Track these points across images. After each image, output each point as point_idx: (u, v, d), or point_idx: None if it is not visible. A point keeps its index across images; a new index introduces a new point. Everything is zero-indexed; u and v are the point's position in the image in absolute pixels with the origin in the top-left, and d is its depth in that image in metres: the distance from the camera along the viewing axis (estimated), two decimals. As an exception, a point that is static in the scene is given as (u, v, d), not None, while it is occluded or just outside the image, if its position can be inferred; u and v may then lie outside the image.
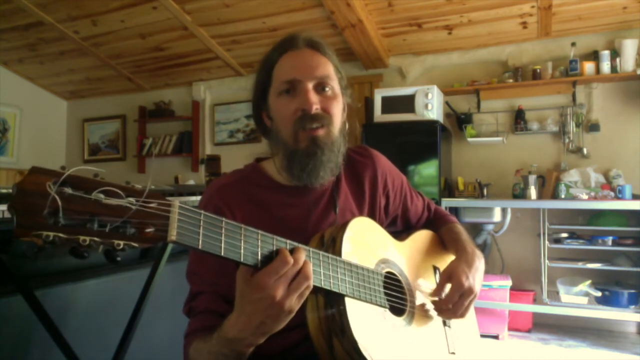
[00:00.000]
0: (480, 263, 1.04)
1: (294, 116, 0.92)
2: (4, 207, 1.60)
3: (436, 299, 1.00)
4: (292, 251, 0.72)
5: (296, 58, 0.95)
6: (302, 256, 0.72)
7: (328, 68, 0.96)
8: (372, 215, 1.07)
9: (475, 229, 3.60)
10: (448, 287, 0.99)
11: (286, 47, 0.96)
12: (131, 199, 0.56)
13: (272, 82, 0.96)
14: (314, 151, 0.92)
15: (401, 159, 3.46)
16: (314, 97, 0.92)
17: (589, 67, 3.37)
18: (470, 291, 0.98)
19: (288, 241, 0.74)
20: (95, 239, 0.54)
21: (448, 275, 1.00)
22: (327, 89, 0.94)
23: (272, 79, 0.95)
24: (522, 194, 3.40)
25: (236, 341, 0.74)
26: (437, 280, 1.07)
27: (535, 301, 3.40)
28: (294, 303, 0.71)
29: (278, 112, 0.95)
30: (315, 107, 0.91)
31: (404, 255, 1.02)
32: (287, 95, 0.93)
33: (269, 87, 0.96)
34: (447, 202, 3.38)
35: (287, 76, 0.93)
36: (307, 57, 0.95)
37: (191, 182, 4.55)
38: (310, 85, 0.93)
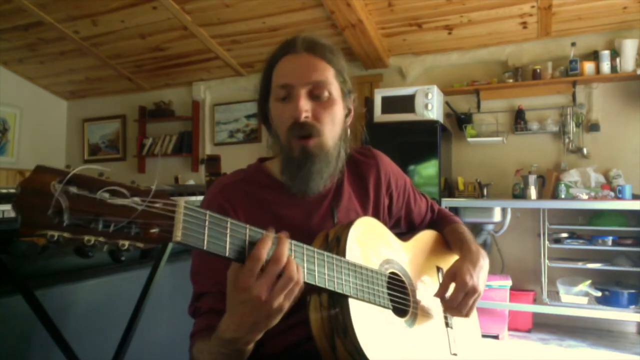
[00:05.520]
0: (484, 262, 1.04)
1: (287, 123, 0.92)
2: (4, 207, 1.60)
3: (439, 299, 1.00)
4: (276, 247, 0.69)
5: (292, 62, 0.93)
6: (284, 253, 0.69)
7: (326, 73, 0.93)
8: (376, 215, 1.06)
9: (475, 229, 3.60)
10: (452, 286, 0.99)
11: (286, 51, 0.94)
12: (136, 199, 0.56)
13: (272, 86, 0.95)
14: (304, 162, 0.91)
15: (401, 159, 3.45)
16: (304, 105, 0.90)
17: (589, 67, 3.37)
18: (474, 290, 0.98)
19: (294, 242, 0.73)
20: (100, 239, 0.53)
21: (452, 274, 1.00)
22: (322, 95, 0.92)
23: (272, 82, 0.95)
24: (522, 194, 3.39)
25: (233, 341, 0.74)
26: (441, 281, 1.07)
27: (535, 301, 3.41)
28: (282, 302, 0.69)
29: (275, 117, 0.95)
30: (305, 115, 0.90)
31: (407, 255, 1.02)
32: (282, 102, 0.93)
33: (270, 90, 0.96)
34: (447, 202, 3.38)
35: (281, 81, 0.92)
36: (304, 61, 0.92)
37: (191, 182, 4.54)
38: (302, 92, 0.90)
